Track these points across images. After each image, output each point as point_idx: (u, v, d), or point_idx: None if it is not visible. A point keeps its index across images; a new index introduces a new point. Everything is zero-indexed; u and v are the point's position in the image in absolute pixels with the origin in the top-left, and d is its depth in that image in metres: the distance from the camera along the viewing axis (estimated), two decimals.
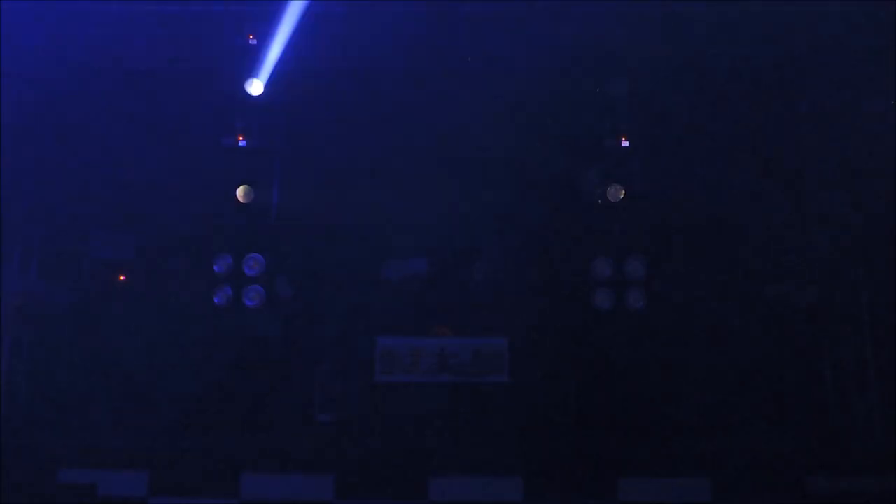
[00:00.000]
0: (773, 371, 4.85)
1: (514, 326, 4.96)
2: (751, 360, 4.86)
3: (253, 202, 5.07)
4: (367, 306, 5.01)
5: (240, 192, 5.04)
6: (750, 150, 5.09)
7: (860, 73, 5.03)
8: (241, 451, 4.80)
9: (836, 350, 4.87)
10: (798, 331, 4.91)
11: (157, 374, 4.92)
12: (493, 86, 5.18)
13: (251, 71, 5.06)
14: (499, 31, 5.09)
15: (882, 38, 4.88)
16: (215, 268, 4.99)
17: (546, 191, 5.16)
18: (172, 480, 4.74)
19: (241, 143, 5.10)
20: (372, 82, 5.19)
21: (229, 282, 4.99)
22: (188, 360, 4.92)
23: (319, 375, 4.95)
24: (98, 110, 5.16)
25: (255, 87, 4.98)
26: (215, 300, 4.97)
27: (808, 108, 5.14)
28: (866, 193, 4.99)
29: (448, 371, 4.89)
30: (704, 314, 4.92)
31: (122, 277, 5.07)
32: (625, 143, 5.07)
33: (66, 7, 5.09)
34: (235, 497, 4.72)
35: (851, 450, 4.72)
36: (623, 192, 5.00)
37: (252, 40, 5.08)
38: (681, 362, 4.85)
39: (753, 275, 4.98)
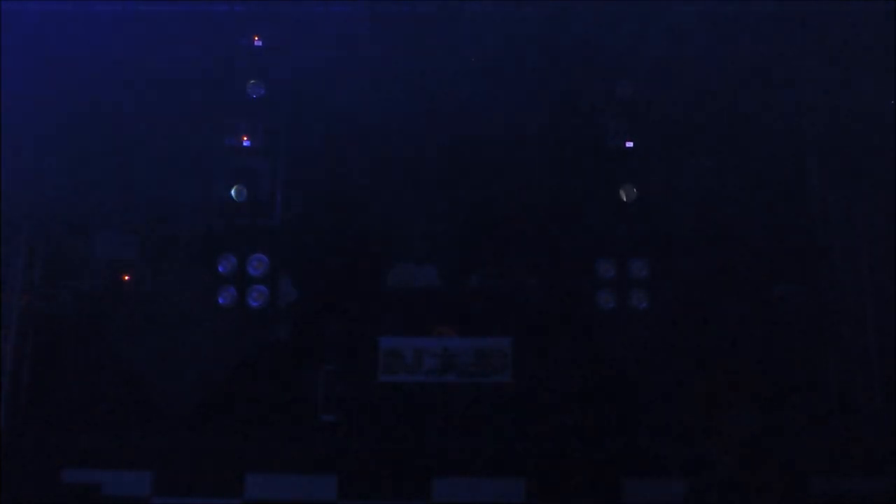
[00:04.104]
0: (777, 371, 4.85)
1: (517, 326, 4.95)
2: (755, 361, 4.86)
3: (252, 201, 5.09)
4: (371, 306, 5.00)
5: (233, 190, 5.07)
6: (754, 151, 5.10)
7: (863, 73, 5.04)
8: (245, 451, 4.81)
9: (840, 350, 4.87)
10: (803, 331, 4.90)
11: (162, 373, 4.91)
12: (496, 86, 5.20)
13: (256, 71, 5.13)
14: (503, 32, 5.12)
15: (884, 38, 4.91)
16: (219, 268, 5.01)
17: (549, 190, 5.16)
18: (176, 480, 4.74)
19: (245, 143, 5.13)
20: (375, 83, 5.20)
21: (233, 282, 5.01)
22: (192, 360, 4.91)
23: (323, 376, 4.94)
24: (101, 110, 5.16)
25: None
26: (219, 300, 4.98)
27: (812, 108, 5.14)
28: (870, 193, 5.00)
29: (451, 371, 4.88)
30: (708, 315, 4.92)
31: (125, 277, 5.06)
32: (629, 144, 5.11)
33: (68, 7, 5.10)
34: (239, 497, 4.73)
35: (855, 450, 4.72)
36: (635, 191, 5.03)
37: (257, 41, 5.15)
38: (685, 363, 4.85)
39: (758, 275, 4.97)
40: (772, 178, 5.09)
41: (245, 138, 5.12)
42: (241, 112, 5.16)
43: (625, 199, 5.06)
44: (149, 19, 5.14)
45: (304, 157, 5.20)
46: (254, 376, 4.94)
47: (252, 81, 5.16)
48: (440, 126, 5.18)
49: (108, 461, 4.77)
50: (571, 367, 4.89)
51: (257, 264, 5.03)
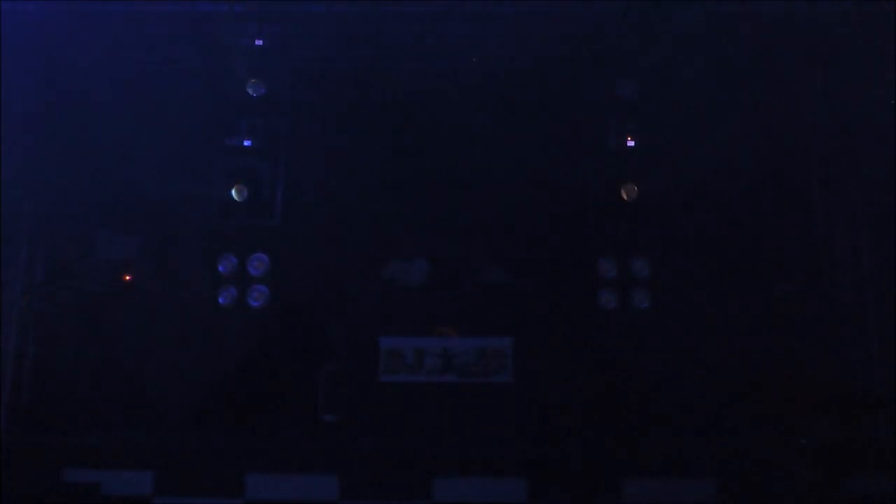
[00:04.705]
0: (779, 372, 4.84)
1: (518, 326, 4.94)
2: (757, 361, 4.85)
3: (252, 201, 5.09)
4: (372, 306, 5.00)
5: (234, 190, 5.07)
6: (755, 151, 5.10)
7: (864, 73, 5.04)
8: (245, 450, 4.81)
9: (842, 350, 4.86)
10: (805, 331, 4.90)
11: (162, 373, 4.91)
12: (496, 85, 5.20)
13: (256, 71, 5.13)
14: (504, 31, 5.12)
15: (884, 39, 4.90)
16: (220, 268, 5.01)
17: (550, 190, 5.15)
18: (177, 480, 4.75)
19: (245, 143, 5.14)
20: (377, 82, 5.20)
21: (234, 282, 5.01)
22: (193, 360, 4.92)
23: (323, 376, 4.94)
24: (102, 110, 5.16)
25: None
26: (220, 300, 4.98)
27: (813, 109, 5.14)
28: (871, 193, 5.00)
29: (452, 371, 4.88)
30: (710, 314, 4.91)
31: (126, 277, 5.06)
32: (630, 143, 5.11)
33: (68, 7, 5.10)
34: (240, 497, 4.73)
35: (857, 451, 4.72)
36: (637, 190, 5.02)
37: (257, 41, 5.15)
38: (686, 363, 4.84)
39: (760, 275, 4.97)
40: (773, 177, 5.08)
41: (245, 138, 5.12)
42: (241, 112, 5.17)
43: (626, 199, 5.06)
44: (149, 19, 5.13)
45: (304, 156, 5.20)
46: (254, 376, 4.94)
47: (252, 81, 5.16)
48: (440, 125, 5.17)
49: (108, 461, 4.77)
50: (572, 368, 4.88)
51: (258, 264, 5.03)
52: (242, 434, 4.86)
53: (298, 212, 5.13)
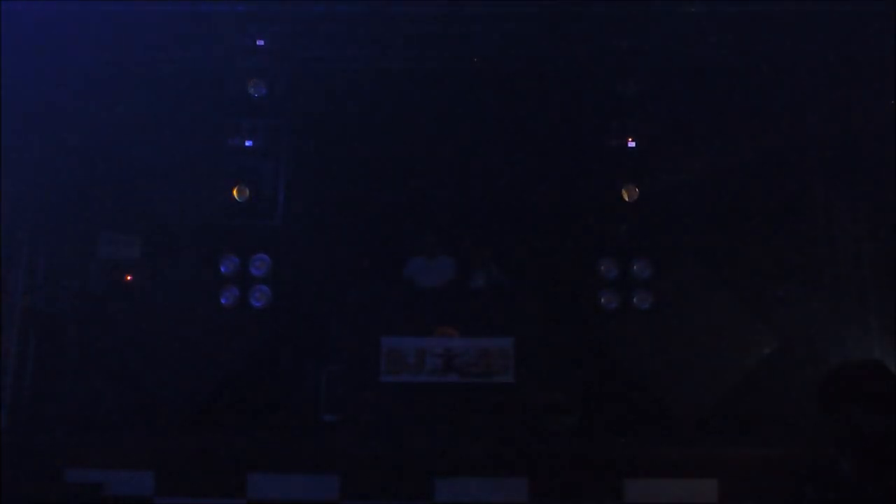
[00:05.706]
0: (780, 373, 4.86)
1: (519, 326, 4.95)
2: (758, 362, 4.86)
3: (254, 201, 5.09)
4: (373, 307, 5.00)
5: (234, 190, 5.08)
6: (756, 152, 5.11)
7: (864, 74, 5.05)
8: (246, 451, 4.81)
9: (843, 352, 4.87)
10: (806, 332, 4.91)
11: (164, 373, 4.92)
12: (498, 85, 5.21)
13: (256, 71, 5.13)
14: (504, 32, 5.12)
15: (883, 38, 4.91)
16: (222, 268, 5.01)
17: (551, 190, 5.16)
18: (178, 480, 4.75)
19: (247, 144, 5.14)
20: (377, 82, 5.21)
21: (236, 282, 5.01)
22: (194, 360, 4.92)
23: (325, 376, 4.95)
24: (103, 111, 5.17)
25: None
26: (222, 300, 4.98)
27: (814, 110, 5.15)
28: (871, 194, 5.01)
29: (453, 371, 4.88)
30: (711, 314, 4.92)
31: (128, 278, 5.06)
32: (631, 144, 5.11)
33: (68, 7, 5.10)
34: (241, 497, 4.73)
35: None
36: (637, 190, 5.03)
37: (258, 41, 5.15)
38: (688, 363, 4.85)
39: (760, 275, 4.98)
40: (774, 177, 5.10)
41: (246, 138, 5.12)
42: (242, 112, 5.17)
43: (626, 199, 5.07)
44: (150, 19, 5.12)
45: (305, 156, 5.21)
46: (256, 376, 4.95)
47: (252, 81, 5.16)
48: (441, 126, 5.18)
49: (109, 461, 4.76)
50: (574, 368, 4.89)
51: (259, 264, 5.04)
52: (243, 434, 4.86)
53: (300, 212, 5.15)
